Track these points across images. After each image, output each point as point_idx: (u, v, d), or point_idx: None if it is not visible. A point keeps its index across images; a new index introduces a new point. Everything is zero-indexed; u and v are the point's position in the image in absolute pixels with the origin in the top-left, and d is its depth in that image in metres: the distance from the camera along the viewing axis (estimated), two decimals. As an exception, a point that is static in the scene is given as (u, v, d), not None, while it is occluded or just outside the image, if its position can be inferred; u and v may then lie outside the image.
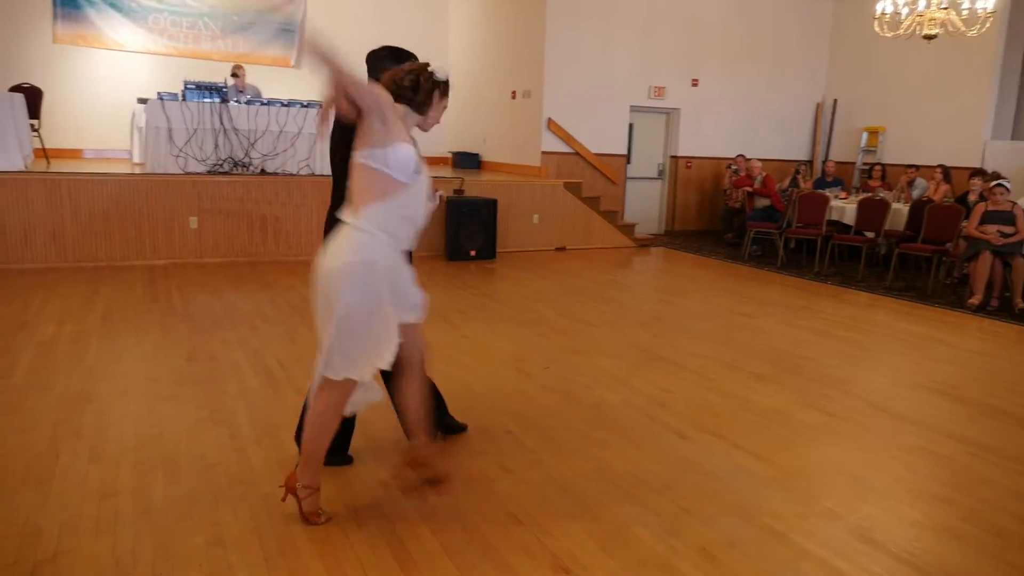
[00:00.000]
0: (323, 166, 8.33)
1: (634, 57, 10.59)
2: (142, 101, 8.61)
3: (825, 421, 3.87)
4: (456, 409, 3.64)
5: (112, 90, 10.18)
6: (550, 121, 10.12)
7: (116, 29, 10.49)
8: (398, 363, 2.65)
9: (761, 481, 3.14)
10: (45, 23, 10.03)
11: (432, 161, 12.29)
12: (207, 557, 2.40)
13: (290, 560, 2.41)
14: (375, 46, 3.03)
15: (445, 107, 2.63)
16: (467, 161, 11.81)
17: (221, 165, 7.84)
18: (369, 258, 2.43)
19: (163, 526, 2.56)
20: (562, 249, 9.52)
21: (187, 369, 4.29)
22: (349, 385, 2.56)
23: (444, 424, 3.43)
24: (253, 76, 10.66)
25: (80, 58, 10.28)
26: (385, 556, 2.45)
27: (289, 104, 8.19)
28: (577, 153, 10.39)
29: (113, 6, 10.43)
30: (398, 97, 2.50)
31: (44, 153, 8.44)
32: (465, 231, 8.46)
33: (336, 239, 2.48)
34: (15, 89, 8.14)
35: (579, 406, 3.95)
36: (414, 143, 2.55)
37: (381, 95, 2.38)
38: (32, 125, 8.16)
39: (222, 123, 7.79)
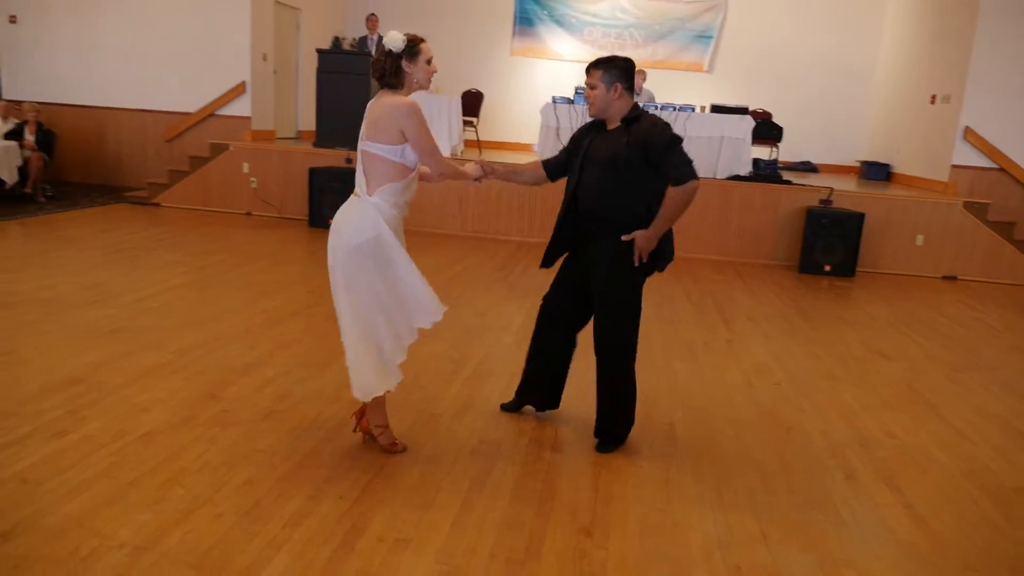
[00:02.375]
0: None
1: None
2: (555, 103, 10.11)
3: (1067, 515, 3.06)
4: (647, 399, 3.88)
5: (545, 94, 12.02)
6: (967, 130, 8.74)
7: (558, 41, 12.36)
8: None
9: (892, 541, 2.78)
10: (505, 40, 12.37)
11: (836, 170, 11.60)
12: (366, 448, 3.28)
13: (445, 464, 3.14)
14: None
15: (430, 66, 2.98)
16: (875, 172, 10.83)
17: (596, 161, 8.84)
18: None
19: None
20: (951, 278, 8.24)
21: (469, 320, 5.32)
22: None
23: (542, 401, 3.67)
24: (668, 80, 11.57)
25: (527, 67, 12.41)
26: (464, 482, 3.01)
27: (661, 107, 8.77)
28: (1002, 169, 8.77)
29: (558, 22, 12.30)
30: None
31: (478, 144, 10.57)
32: (822, 244, 8.00)
33: None
34: (465, 93, 10.35)
35: (770, 424, 3.83)
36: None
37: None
38: (471, 122, 10.29)
39: (601, 124, 8.77)
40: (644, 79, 9.98)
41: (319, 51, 9.10)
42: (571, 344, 3.59)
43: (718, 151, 8.69)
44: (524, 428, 3.55)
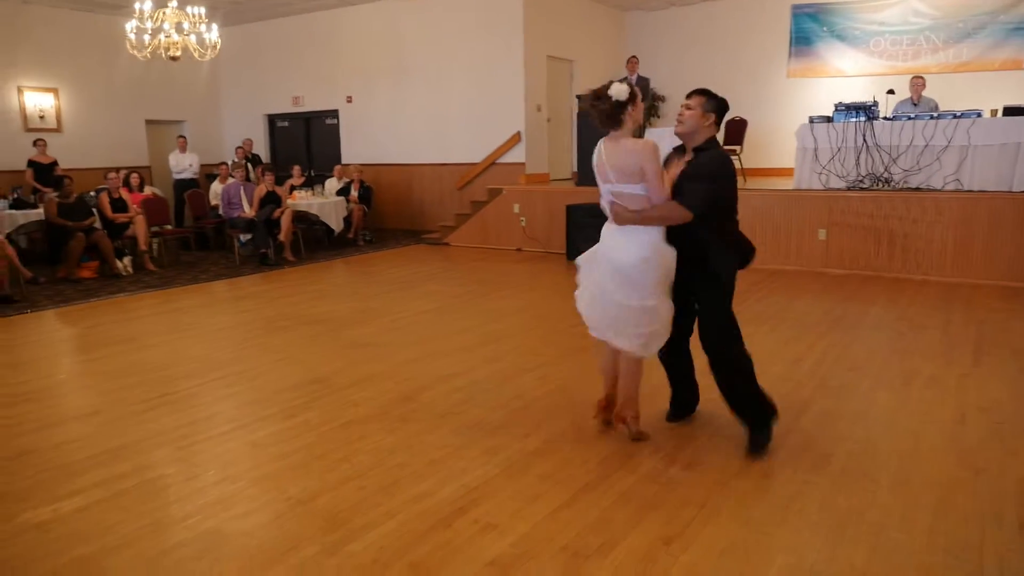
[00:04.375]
0: (971, 181, 7.65)
1: None
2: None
3: None
4: (819, 425, 3.74)
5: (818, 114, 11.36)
6: None
7: (839, 58, 11.61)
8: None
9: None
10: (781, 63, 11.95)
11: None
12: (505, 447, 3.69)
13: (570, 468, 3.47)
14: None
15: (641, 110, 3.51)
16: None
17: (861, 181, 8.18)
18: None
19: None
20: None
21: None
22: None
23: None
24: (976, 83, 10.26)
25: (804, 88, 11.82)
26: (578, 483, 3.24)
27: (938, 116, 7.82)
28: None
29: (839, 37, 11.56)
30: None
31: (742, 172, 10.35)
32: None
33: None
34: (728, 122, 10.28)
35: (953, 464, 3.37)
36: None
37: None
38: (734, 151, 10.16)
39: (865, 140, 8.11)
40: (923, 86, 8.93)
41: (577, 96, 9.83)
42: (684, 355, 3.79)
43: (1014, 159, 7.47)
44: (663, 444, 3.63)
